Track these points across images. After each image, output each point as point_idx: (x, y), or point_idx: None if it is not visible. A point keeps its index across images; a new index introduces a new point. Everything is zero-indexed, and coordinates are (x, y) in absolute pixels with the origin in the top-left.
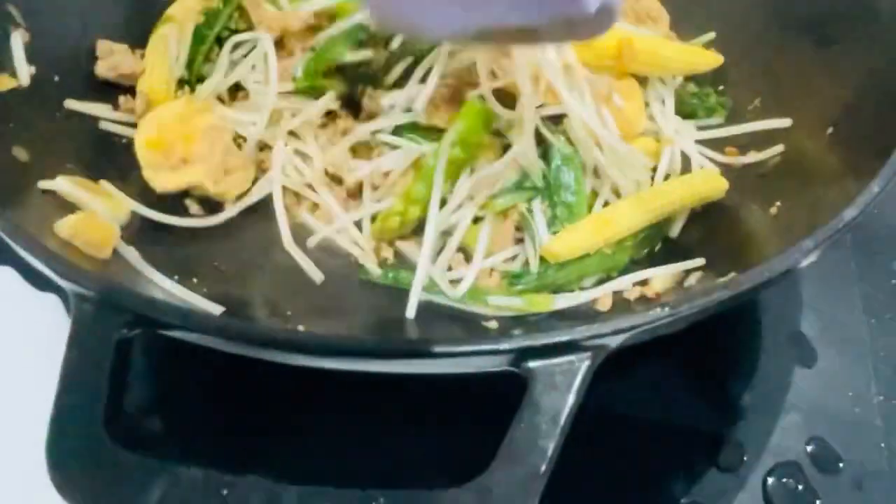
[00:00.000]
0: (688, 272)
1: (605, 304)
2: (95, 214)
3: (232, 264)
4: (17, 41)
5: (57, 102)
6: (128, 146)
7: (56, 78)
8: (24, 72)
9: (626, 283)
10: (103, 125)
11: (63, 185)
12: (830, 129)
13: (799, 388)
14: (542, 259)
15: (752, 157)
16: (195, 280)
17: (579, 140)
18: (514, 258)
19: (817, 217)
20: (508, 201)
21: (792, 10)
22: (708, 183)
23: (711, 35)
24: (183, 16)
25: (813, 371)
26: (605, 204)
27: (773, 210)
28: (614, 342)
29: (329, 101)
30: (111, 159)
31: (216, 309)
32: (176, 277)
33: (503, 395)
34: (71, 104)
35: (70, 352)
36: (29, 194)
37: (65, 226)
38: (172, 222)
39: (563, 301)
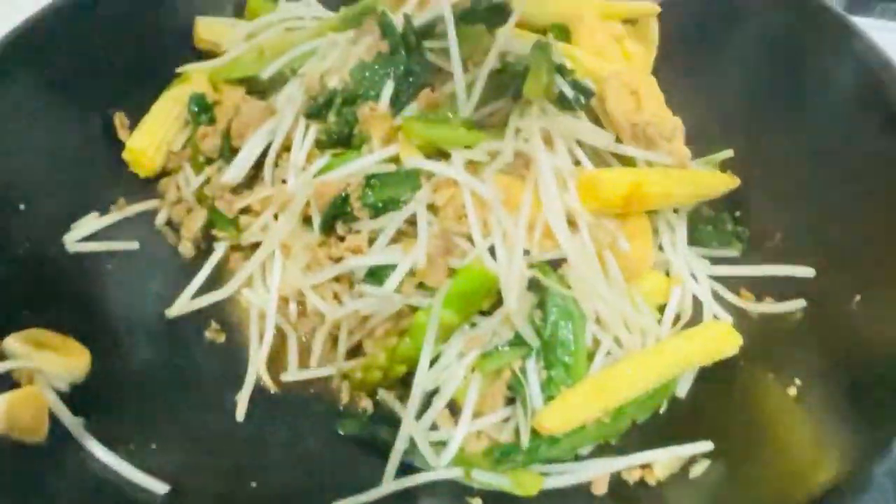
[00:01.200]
0: (694, 457)
1: (600, 488)
2: (30, 392)
3: (195, 421)
4: None
5: (21, 234)
6: (93, 275)
7: (22, 206)
8: None
9: (625, 465)
10: (74, 247)
11: (12, 346)
12: (858, 297)
13: None
14: (534, 430)
15: (770, 306)
16: (154, 445)
17: (579, 288)
18: (505, 420)
19: (847, 421)
20: (501, 362)
21: (822, 136)
22: (720, 339)
23: (729, 153)
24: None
25: None
26: (608, 353)
27: (793, 391)
28: None
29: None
30: (76, 295)
31: (161, 488)
32: (132, 445)
33: None
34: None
35: None
36: None
37: None
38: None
39: (554, 481)
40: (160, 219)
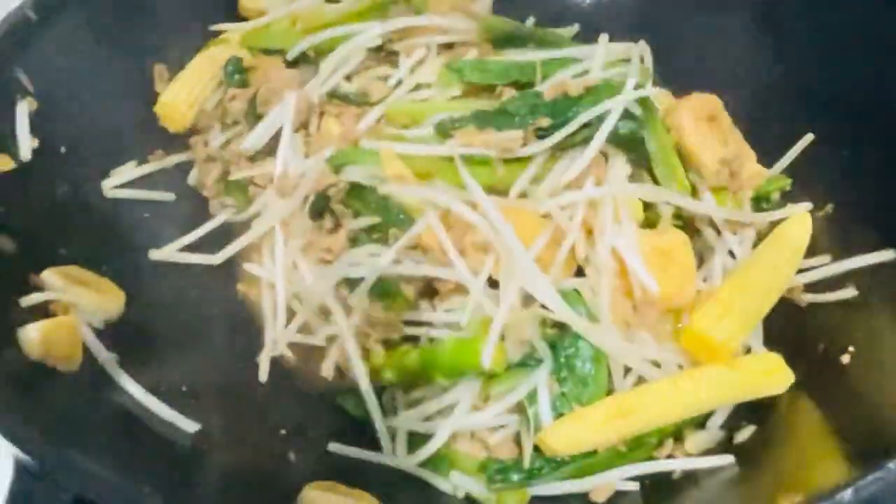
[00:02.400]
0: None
1: (601, 495)
2: (65, 321)
3: (225, 368)
4: (23, 110)
5: (60, 176)
6: (130, 221)
7: (63, 149)
8: (26, 145)
9: (634, 472)
10: (112, 193)
11: (50, 279)
12: None
13: None
14: (537, 447)
15: (820, 295)
16: (184, 388)
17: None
18: (501, 427)
19: None
20: (511, 384)
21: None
22: (769, 374)
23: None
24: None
25: None
26: (639, 381)
27: (846, 358)
28: None
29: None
30: (113, 239)
31: (192, 426)
32: (162, 387)
33: None
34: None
35: None
36: (4, 294)
37: (31, 336)
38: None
39: (544, 489)
40: (192, 177)
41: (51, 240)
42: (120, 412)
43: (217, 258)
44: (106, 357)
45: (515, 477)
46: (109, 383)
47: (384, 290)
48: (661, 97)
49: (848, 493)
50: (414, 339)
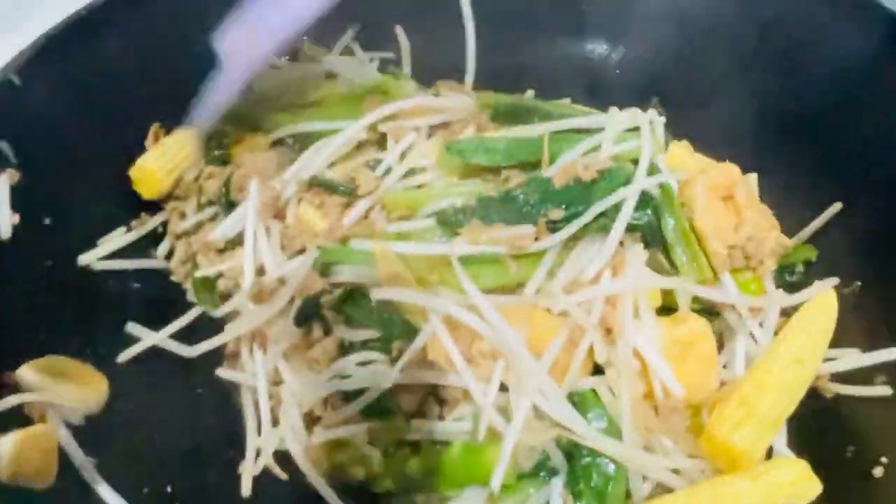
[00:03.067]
0: None
1: None
2: (41, 431)
3: (217, 463)
4: (4, 184)
5: (42, 251)
6: (118, 295)
7: (47, 221)
8: (6, 221)
9: None
10: (99, 265)
11: (27, 376)
12: None
13: None
14: None
15: (847, 387)
16: (169, 489)
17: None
18: None
19: None
20: (520, 499)
21: None
22: (794, 484)
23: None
24: None
25: None
26: (658, 489)
27: (879, 471)
28: None
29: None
30: (99, 317)
31: None
32: (146, 489)
33: None
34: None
35: None
36: None
37: (1, 453)
38: None
39: None
40: (161, 251)
41: (29, 325)
42: None
43: (192, 351)
44: (83, 463)
45: None
46: (86, 495)
47: (380, 406)
48: (676, 151)
49: None
50: (413, 443)
